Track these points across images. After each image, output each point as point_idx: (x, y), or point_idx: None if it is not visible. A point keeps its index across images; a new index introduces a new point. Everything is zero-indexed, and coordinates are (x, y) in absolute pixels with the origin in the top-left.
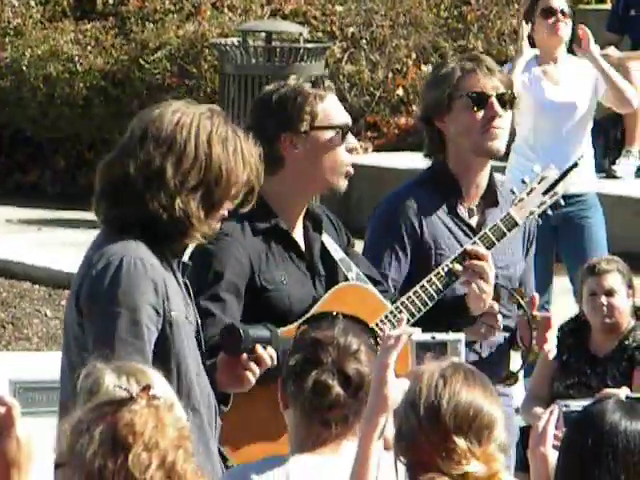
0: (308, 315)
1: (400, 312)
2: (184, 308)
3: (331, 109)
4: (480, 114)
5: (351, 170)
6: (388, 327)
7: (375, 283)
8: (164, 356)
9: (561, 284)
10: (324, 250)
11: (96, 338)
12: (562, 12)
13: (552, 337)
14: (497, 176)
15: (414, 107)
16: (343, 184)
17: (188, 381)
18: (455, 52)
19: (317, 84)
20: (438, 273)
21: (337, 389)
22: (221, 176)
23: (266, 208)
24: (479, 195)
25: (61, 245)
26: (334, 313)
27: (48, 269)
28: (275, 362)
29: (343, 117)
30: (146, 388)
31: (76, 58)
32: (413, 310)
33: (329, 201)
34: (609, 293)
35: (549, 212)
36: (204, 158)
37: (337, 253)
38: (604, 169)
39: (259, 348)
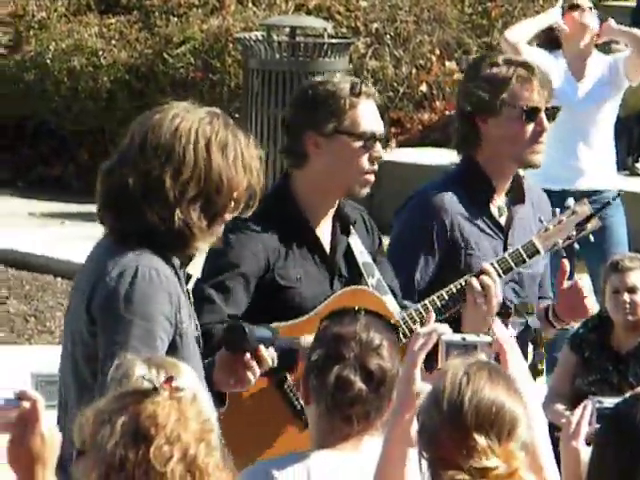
0: (311, 313)
1: (413, 320)
2: (190, 319)
3: (361, 116)
4: (529, 127)
5: (371, 179)
6: (418, 325)
7: (395, 296)
8: None
9: (582, 282)
10: (351, 252)
11: (108, 346)
12: (589, 9)
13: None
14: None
15: (437, 103)
16: (361, 191)
17: None
18: (479, 48)
19: (354, 87)
20: (450, 289)
21: (359, 384)
22: (222, 185)
23: (294, 204)
24: (504, 192)
25: (84, 239)
26: (356, 308)
27: (71, 262)
28: (275, 363)
29: (372, 126)
30: (169, 379)
31: (100, 52)
32: (419, 324)
33: (352, 197)
34: (632, 290)
35: (576, 246)
36: (203, 167)
37: (362, 257)
38: (627, 167)
39: (262, 348)
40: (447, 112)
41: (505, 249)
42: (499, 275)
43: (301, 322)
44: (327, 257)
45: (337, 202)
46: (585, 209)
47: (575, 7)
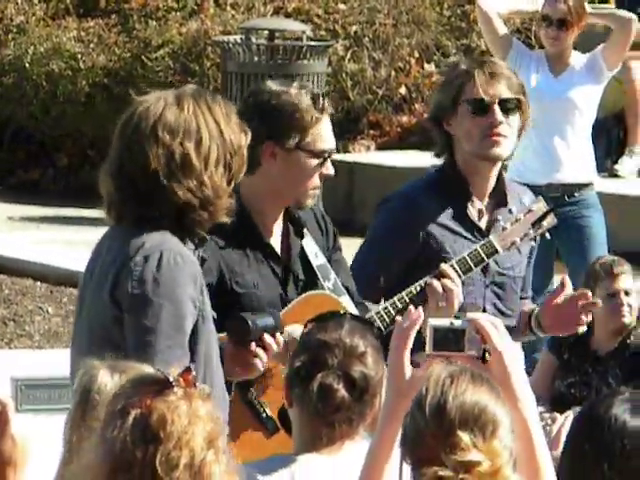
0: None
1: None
2: (209, 300)
3: (321, 134)
4: (481, 120)
5: (318, 193)
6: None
7: (350, 294)
8: (193, 348)
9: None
10: (305, 255)
11: (138, 330)
12: (559, 21)
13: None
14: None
15: (417, 106)
16: (309, 203)
17: (212, 374)
18: (458, 51)
19: (317, 101)
20: (410, 291)
21: (342, 392)
22: (232, 146)
23: (244, 212)
24: (487, 195)
25: (63, 242)
26: (341, 312)
27: (50, 266)
28: (281, 347)
29: (329, 144)
30: (187, 371)
31: (79, 55)
32: (381, 325)
33: (332, 199)
34: (627, 293)
35: (532, 243)
36: (216, 134)
37: (316, 259)
38: (606, 168)
39: (267, 337)
40: (426, 115)
41: None
42: (459, 276)
43: None
44: (280, 261)
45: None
46: (541, 206)
47: (547, 20)
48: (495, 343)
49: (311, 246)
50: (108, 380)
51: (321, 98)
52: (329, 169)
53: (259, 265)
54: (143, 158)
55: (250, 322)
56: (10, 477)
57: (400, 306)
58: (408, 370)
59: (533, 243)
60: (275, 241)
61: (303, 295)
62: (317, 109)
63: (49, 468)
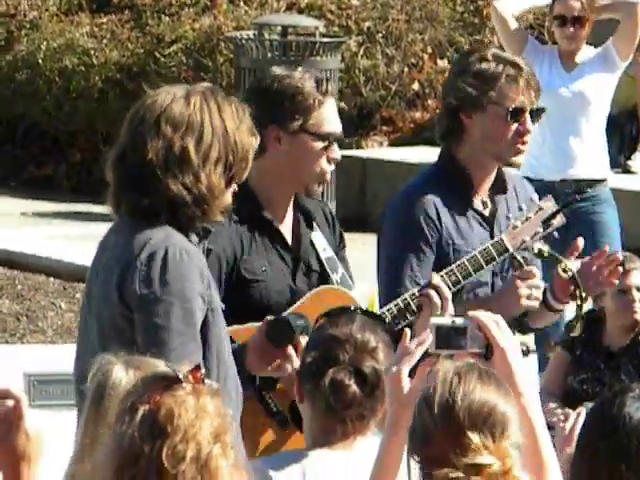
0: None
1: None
2: (216, 293)
3: (325, 117)
4: (513, 126)
5: (328, 178)
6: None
7: None
8: (205, 344)
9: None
10: (314, 248)
11: (149, 329)
12: (575, 19)
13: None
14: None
15: (429, 101)
16: (317, 190)
17: (225, 367)
18: (471, 47)
19: (320, 85)
20: (413, 294)
21: (353, 388)
22: (236, 147)
23: (252, 197)
24: (489, 186)
25: (76, 238)
26: (352, 308)
27: (63, 262)
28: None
29: (334, 127)
30: (197, 368)
31: (92, 51)
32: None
33: (345, 194)
34: (639, 290)
35: (555, 234)
36: (220, 132)
37: (325, 252)
38: (620, 164)
39: (302, 341)
40: (439, 110)
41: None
42: (470, 274)
43: None
44: (290, 249)
45: (293, 195)
46: (550, 205)
47: (561, 20)
48: (497, 340)
49: (319, 239)
50: (123, 375)
51: (325, 82)
52: (335, 152)
53: (267, 251)
54: (143, 148)
55: (294, 325)
56: (24, 472)
57: (402, 305)
58: (406, 383)
59: (556, 234)
60: (285, 230)
61: (314, 290)
62: (320, 92)
63: (62, 463)
